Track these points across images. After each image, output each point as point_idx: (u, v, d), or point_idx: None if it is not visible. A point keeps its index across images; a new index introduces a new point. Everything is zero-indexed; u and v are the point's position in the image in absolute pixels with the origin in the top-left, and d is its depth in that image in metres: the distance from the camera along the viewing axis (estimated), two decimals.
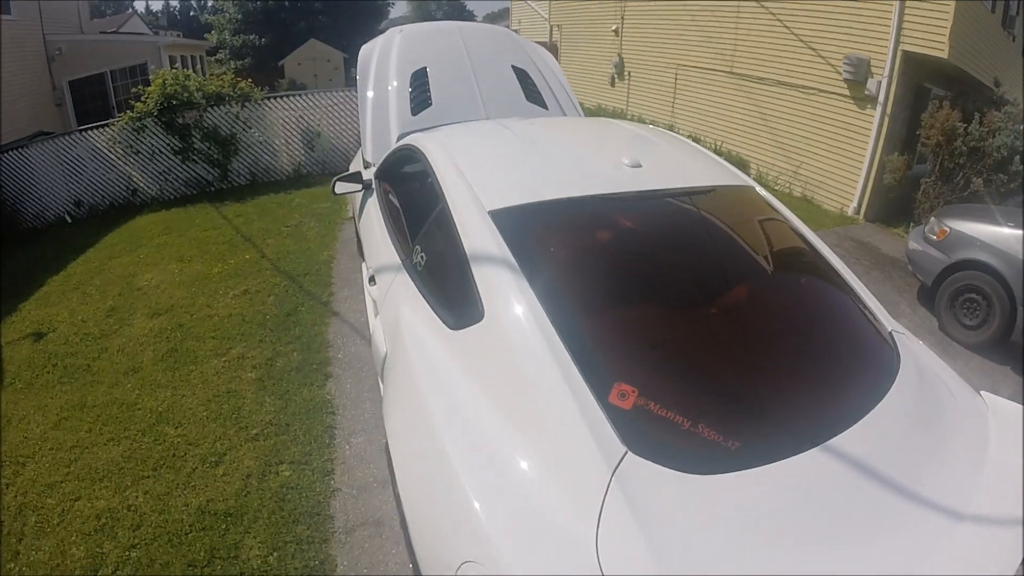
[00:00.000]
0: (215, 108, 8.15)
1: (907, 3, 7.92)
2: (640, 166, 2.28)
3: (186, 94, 7.87)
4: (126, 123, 7.81)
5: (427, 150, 2.60)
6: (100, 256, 6.34)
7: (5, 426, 3.55)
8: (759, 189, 2.50)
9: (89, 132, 7.86)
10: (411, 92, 4.03)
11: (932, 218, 5.54)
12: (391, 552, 2.60)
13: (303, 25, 27.56)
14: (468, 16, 55.31)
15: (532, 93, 4.38)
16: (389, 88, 4.03)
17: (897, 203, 8.53)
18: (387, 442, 1.98)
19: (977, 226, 5.09)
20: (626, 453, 1.37)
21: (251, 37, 27.55)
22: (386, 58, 4.20)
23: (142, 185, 8.19)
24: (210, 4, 31.74)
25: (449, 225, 2.10)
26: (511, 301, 1.72)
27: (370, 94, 4.04)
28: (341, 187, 3.58)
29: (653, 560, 1.20)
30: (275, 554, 2.56)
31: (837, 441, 1.49)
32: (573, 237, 2.14)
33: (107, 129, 7.88)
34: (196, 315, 4.61)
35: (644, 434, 1.44)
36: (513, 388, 1.62)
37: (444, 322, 1.95)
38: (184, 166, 8.22)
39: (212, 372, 3.84)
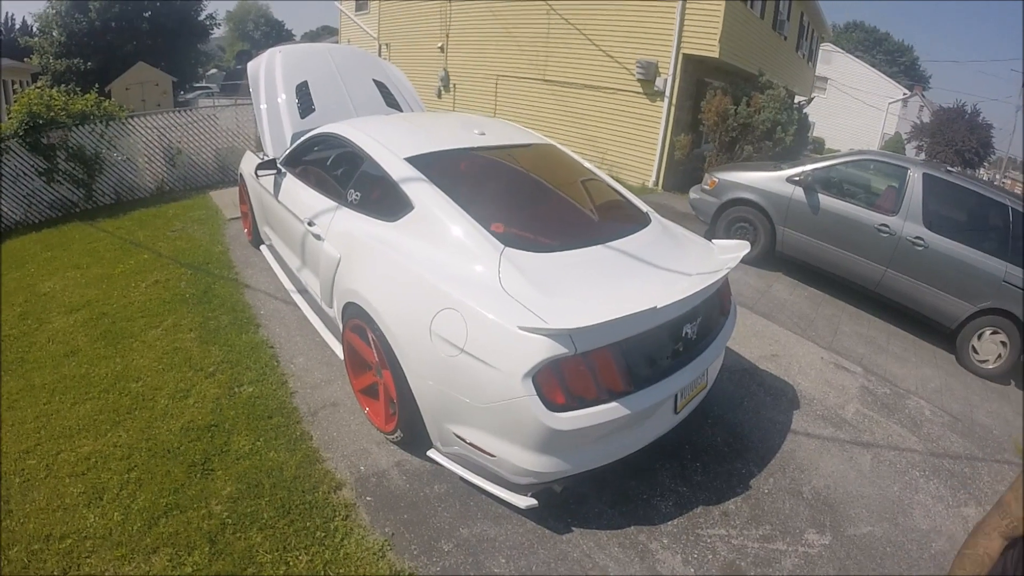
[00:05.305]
0: (80, 127, 8.21)
1: (685, 17, 10.04)
2: (485, 134, 3.88)
3: (51, 113, 7.91)
4: None
5: (346, 132, 3.90)
6: None
7: None
8: (557, 145, 4.26)
9: None
10: (297, 101, 5.28)
11: (705, 174, 7.53)
12: (350, 419, 3.53)
13: (130, 47, 26.06)
14: (287, 35, 55.56)
15: (390, 99, 6.01)
16: (279, 99, 5.26)
17: (688, 175, 10.96)
18: (359, 292, 3.13)
19: (737, 174, 7.03)
20: (504, 247, 2.80)
21: (75, 61, 25.54)
22: (272, 74, 5.38)
23: (6, 210, 8.02)
24: (33, 26, 28.64)
25: (378, 170, 3.46)
26: (430, 196, 3.12)
27: (264, 106, 5.25)
28: (262, 173, 4.56)
29: (525, 279, 2.65)
30: (260, 439, 3.33)
31: (613, 243, 3.10)
32: (455, 168, 3.54)
33: None
34: (115, 304, 4.99)
35: (511, 240, 2.87)
36: (442, 235, 2.96)
37: (384, 221, 3.26)
38: (49, 188, 8.19)
39: (153, 339, 4.39)
